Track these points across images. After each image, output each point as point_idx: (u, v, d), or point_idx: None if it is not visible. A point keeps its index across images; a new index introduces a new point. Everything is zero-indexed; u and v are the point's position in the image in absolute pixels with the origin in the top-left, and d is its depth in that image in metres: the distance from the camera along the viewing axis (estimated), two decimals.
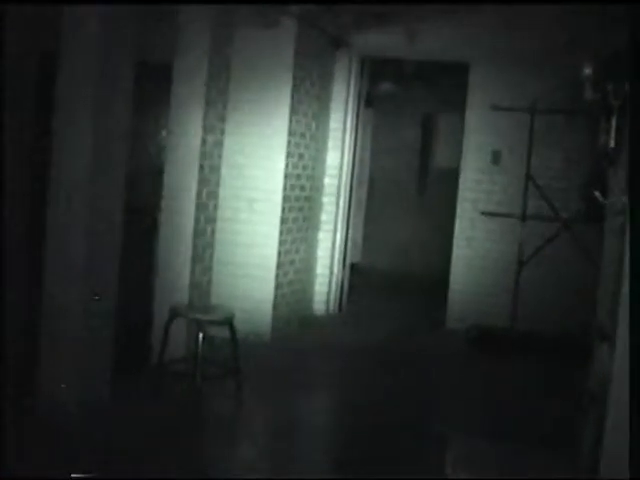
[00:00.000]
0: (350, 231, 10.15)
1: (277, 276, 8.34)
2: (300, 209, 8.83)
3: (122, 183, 5.81)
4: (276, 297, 8.37)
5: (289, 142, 8.29)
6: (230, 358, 6.51)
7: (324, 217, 9.69)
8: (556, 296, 9.15)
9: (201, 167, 7.15)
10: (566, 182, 9.25)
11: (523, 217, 9.16)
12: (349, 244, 10.14)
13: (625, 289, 3.85)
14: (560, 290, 9.15)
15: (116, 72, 5.66)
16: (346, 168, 9.80)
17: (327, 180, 9.67)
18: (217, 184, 7.66)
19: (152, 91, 6.67)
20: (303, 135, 8.72)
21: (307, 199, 9.02)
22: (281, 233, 8.33)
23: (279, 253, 8.32)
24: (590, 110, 4.92)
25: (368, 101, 11.02)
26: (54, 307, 5.54)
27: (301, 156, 8.69)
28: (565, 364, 7.48)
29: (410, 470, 5.33)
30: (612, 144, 3.94)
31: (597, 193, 4.11)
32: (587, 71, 3.98)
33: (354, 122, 9.84)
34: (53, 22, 5.45)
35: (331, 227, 9.73)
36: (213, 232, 7.65)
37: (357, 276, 11.16)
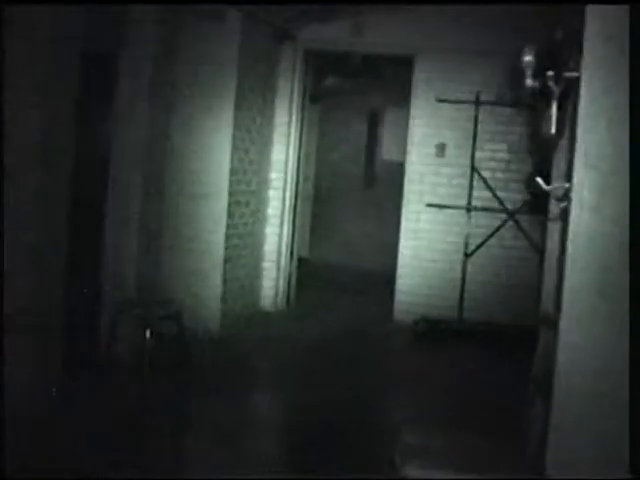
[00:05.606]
0: (297, 225, 10.13)
1: (224, 271, 8.30)
2: (246, 204, 8.79)
3: (68, 174, 5.74)
4: (224, 292, 8.32)
5: (234, 136, 8.25)
6: (178, 354, 6.46)
7: (270, 212, 9.65)
8: (503, 286, 9.23)
9: (147, 161, 7.09)
10: (511, 173, 9.30)
11: (469, 209, 9.24)
12: (296, 238, 10.12)
13: (568, 275, 3.88)
14: (507, 280, 9.23)
15: (61, 61, 5.58)
16: (292, 162, 9.77)
17: (273, 174, 9.63)
18: (163, 178, 7.61)
19: (97, 82, 6.59)
20: (248, 129, 8.69)
21: (253, 194, 8.98)
22: (227, 228, 8.28)
23: (226, 248, 8.29)
24: (533, 100, 4.96)
25: (314, 95, 11.01)
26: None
27: (247, 150, 8.66)
28: (513, 354, 7.52)
29: (359, 463, 5.35)
30: (553, 130, 3.97)
31: (539, 179, 4.13)
32: (527, 58, 4.00)
33: (300, 116, 9.82)
34: None
35: (278, 221, 9.70)
36: (159, 227, 7.60)
37: (305, 271, 11.14)
